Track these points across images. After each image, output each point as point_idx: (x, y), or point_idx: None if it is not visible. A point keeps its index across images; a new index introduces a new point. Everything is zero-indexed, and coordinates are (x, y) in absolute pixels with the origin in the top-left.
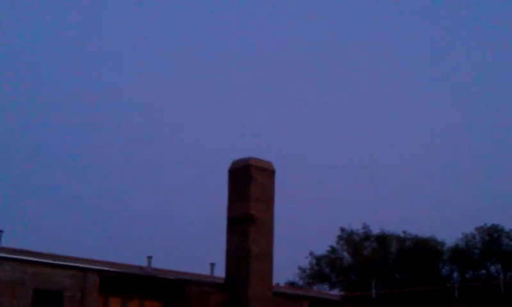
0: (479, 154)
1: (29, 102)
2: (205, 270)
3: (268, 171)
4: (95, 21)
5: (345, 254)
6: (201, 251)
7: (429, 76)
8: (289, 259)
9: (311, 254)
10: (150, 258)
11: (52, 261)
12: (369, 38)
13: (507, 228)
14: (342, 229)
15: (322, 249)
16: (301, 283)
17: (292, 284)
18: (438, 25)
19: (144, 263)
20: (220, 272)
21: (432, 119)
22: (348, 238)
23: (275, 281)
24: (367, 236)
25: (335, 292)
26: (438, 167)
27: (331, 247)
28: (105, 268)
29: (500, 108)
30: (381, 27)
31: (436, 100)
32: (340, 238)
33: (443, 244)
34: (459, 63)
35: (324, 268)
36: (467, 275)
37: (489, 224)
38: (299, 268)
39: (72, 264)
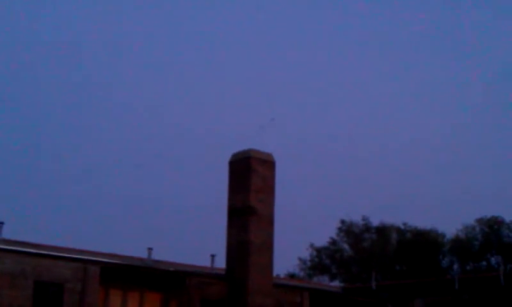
0: (479, 146)
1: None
2: (205, 262)
3: (268, 163)
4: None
5: (345, 245)
6: (202, 243)
7: (429, 73)
8: (289, 250)
9: (311, 245)
10: (150, 249)
11: (52, 253)
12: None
13: (507, 219)
14: (342, 221)
15: (322, 241)
16: (301, 274)
17: (292, 275)
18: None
19: (144, 255)
20: (220, 263)
21: (432, 112)
22: (348, 230)
23: (275, 272)
24: (367, 228)
25: (336, 284)
26: (438, 158)
27: (332, 238)
28: (106, 260)
29: (500, 103)
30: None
31: (436, 94)
32: (340, 230)
33: (443, 235)
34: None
35: (324, 260)
36: (467, 267)
37: (489, 216)
38: (300, 259)
39: (72, 256)
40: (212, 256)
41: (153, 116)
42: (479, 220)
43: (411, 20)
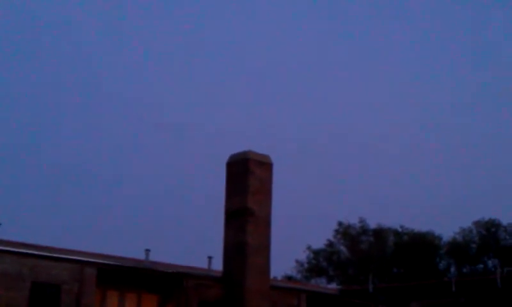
0: (477, 149)
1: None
2: (202, 264)
3: (266, 164)
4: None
5: (342, 248)
6: (199, 244)
7: (428, 74)
8: (287, 252)
9: (308, 248)
10: (147, 251)
11: (50, 254)
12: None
13: (504, 222)
14: (340, 223)
15: (319, 243)
16: (298, 276)
17: (289, 278)
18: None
19: (142, 257)
20: (218, 265)
21: (430, 113)
22: (345, 232)
23: (272, 274)
24: (364, 230)
25: (333, 286)
26: (435, 161)
27: (329, 241)
28: (103, 262)
29: (501, 101)
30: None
31: (435, 95)
32: (337, 232)
33: (440, 238)
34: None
35: (321, 262)
36: (464, 270)
37: (486, 219)
38: (297, 261)
39: (69, 257)
40: (209, 257)
41: (152, 117)
42: (476, 223)
43: (410, 20)
